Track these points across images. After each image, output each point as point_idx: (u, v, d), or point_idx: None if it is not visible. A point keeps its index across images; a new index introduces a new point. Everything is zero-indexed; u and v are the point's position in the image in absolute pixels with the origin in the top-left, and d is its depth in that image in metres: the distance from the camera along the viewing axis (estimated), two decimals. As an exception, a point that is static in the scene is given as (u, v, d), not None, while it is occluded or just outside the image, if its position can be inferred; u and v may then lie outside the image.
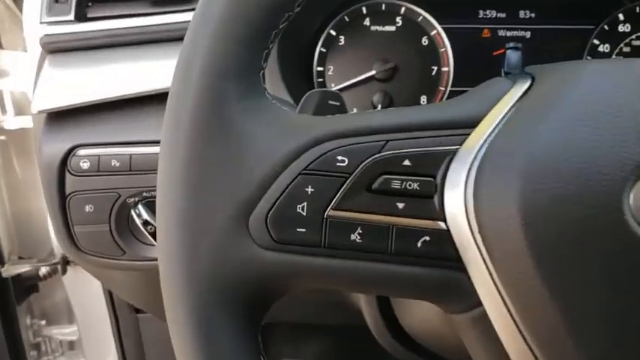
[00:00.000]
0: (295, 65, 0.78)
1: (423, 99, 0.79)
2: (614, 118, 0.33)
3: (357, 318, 0.71)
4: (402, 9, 0.79)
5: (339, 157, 0.36)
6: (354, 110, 0.79)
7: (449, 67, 0.78)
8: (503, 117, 0.36)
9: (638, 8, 0.76)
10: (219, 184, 0.35)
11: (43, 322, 1.23)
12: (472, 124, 0.37)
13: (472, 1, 0.79)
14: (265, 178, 0.36)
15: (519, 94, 0.38)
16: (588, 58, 0.77)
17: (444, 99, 0.78)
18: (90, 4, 0.70)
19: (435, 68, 0.79)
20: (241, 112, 0.36)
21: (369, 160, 0.36)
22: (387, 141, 0.36)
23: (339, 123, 0.37)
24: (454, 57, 0.78)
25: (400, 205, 0.36)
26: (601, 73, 0.36)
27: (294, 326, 1.07)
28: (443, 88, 0.79)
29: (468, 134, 0.36)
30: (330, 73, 0.80)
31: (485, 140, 0.36)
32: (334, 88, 0.79)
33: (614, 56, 0.77)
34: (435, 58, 0.79)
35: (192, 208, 0.35)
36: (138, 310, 1.02)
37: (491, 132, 0.36)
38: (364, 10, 0.79)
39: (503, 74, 0.76)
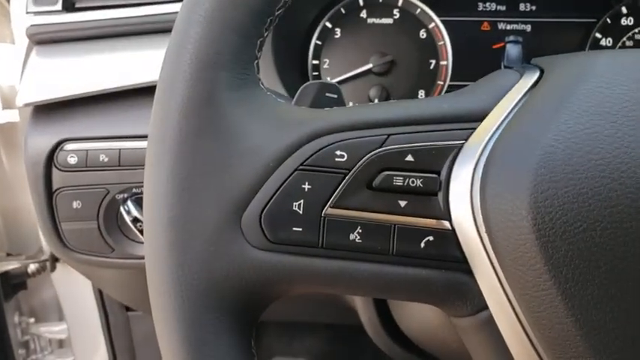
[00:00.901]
0: (290, 59, 0.76)
1: (421, 93, 0.77)
2: (632, 110, 0.31)
3: (352, 317, 0.70)
4: (400, 1, 0.77)
5: (338, 152, 0.34)
6: (350, 104, 0.77)
7: (447, 61, 0.77)
8: (512, 110, 0.35)
9: (641, 1, 0.74)
10: (209, 181, 0.33)
11: (32, 320, 1.21)
12: (478, 117, 0.35)
13: (471, -7, 0.77)
14: (259, 173, 0.34)
15: (528, 86, 0.36)
16: (590, 52, 0.75)
17: (442, 93, 0.77)
18: (78, -7, 0.68)
19: (434, 62, 0.77)
20: (235, 103, 0.34)
21: (370, 155, 0.34)
22: (389, 135, 0.34)
23: (337, 116, 0.35)
24: (453, 50, 0.77)
25: (402, 203, 0.34)
26: (616, 63, 0.34)
27: (287, 323, 1.05)
28: (441, 82, 0.77)
29: (474, 128, 0.35)
30: (325, 66, 0.78)
31: (493, 135, 0.34)
32: (331, 81, 0.77)
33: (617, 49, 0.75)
34: (434, 51, 0.77)
35: (180, 205, 0.33)
36: (128, 308, 1.00)
37: (499, 126, 0.34)
38: (361, 2, 0.77)
39: (502, 68, 0.75)
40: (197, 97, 0.33)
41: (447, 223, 0.34)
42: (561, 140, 0.31)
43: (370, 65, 0.76)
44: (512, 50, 0.76)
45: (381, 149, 0.34)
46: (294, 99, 0.41)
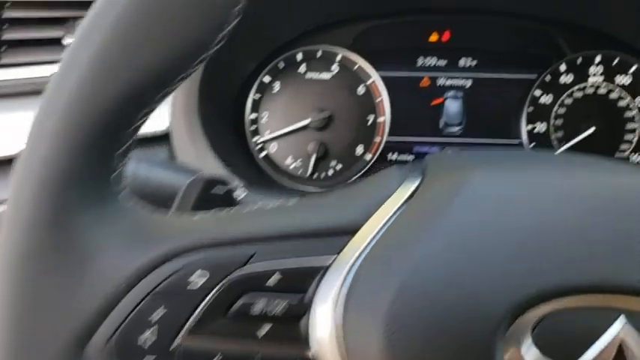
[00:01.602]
0: (224, 123, 0.74)
1: (360, 149, 0.76)
2: (496, 241, 0.29)
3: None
4: (339, 56, 0.75)
5: (197, 273, 0.32)
6: (289, 158, 0.76)
7: (385, 117, 0.75)
8: (383, 226, 0.33)
9: (580, 59, 0.73)
10: (50, 308, 0.31)
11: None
12: (350, 231, 0.33)
13: (411, 47, 0.76)
14: (108, 299, 0.31)
15: (404, 198, 0.34)
16: (530, 108, 0.74)
17: (379, 149, 0.75)
18: (3, 48, 0.67)
19: (372, 118, 0.76)
20: (84, 222, 0.32)
21: (231, 276, 0.32)
22: (254, 253, 0.32)
23: (202, 230, 0.33)
24: (391, 106, 0.75)
25: (264, 330, 0.32)
26: (492, 183, 0.32)
27: None
28: (379, 138, 0.75)
29: (347, 243, 0.33)
30: (264, 120, 0.77)
31: (362, 251, 0.32)
32: (269, 135, 0.76)
33: (556, 107, 0.74)
34: (372, 107, 0.76)
35: (17, 335, 0.31)
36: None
37: (369, 242, 0.32)
38: (300, 56, 0.76)
39: (442, 124, 0.74)
40: (41, 217, 0.31)
41: (310, 351, 0.32)
42: (421, 271, 0.30)
43: (308, 120, 0.75)
44: (452, 106, 0.75)
45: (243, 269, 0.32)
46: (177, 199, 0.39)
